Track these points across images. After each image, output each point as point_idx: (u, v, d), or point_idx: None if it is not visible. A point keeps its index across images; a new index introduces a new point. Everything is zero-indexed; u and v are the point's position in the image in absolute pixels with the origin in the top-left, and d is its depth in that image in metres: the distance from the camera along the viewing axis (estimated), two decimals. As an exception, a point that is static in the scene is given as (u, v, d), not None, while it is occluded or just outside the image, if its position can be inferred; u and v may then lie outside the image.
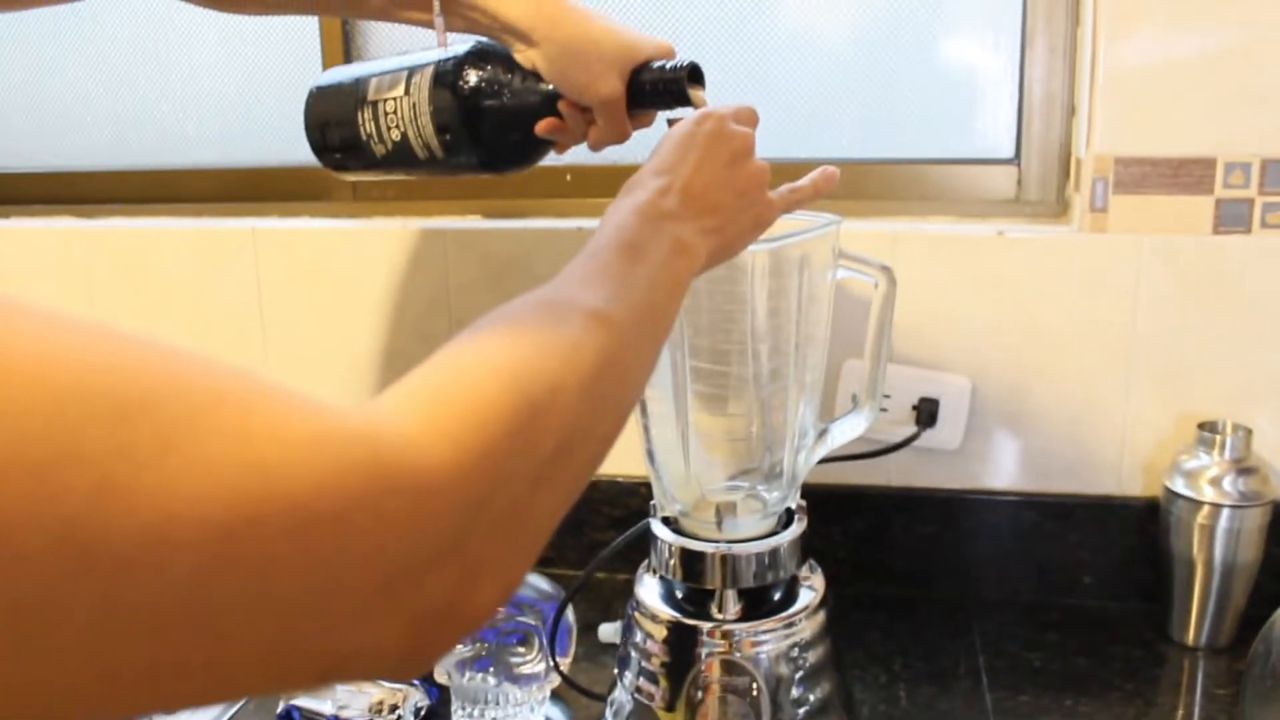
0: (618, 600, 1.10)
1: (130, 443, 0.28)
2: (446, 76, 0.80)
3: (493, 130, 0.81)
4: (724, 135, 0.65)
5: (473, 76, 0.80)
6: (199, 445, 0.29)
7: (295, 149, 1.32)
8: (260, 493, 0.29)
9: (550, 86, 0.79)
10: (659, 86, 0.77)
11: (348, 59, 1.26)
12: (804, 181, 0.73)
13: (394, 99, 0.82)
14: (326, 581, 0.31)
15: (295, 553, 0.30)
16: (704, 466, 0.83)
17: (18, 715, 0.27)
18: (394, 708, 0.92)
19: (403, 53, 0.86)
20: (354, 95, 0.85)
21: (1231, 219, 1.03)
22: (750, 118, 0.70)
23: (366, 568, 0.32)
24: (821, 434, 0.86)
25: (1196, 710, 0.96)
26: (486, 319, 0.45)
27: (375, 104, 0.84)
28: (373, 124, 0.84)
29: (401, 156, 0.85)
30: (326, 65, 1.27)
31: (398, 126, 0.83)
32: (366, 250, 1.20)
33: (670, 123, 0.70)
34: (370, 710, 0.92)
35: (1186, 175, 1.02)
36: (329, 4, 0.93)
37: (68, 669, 0.27)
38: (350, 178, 0.93)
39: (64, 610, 0.26)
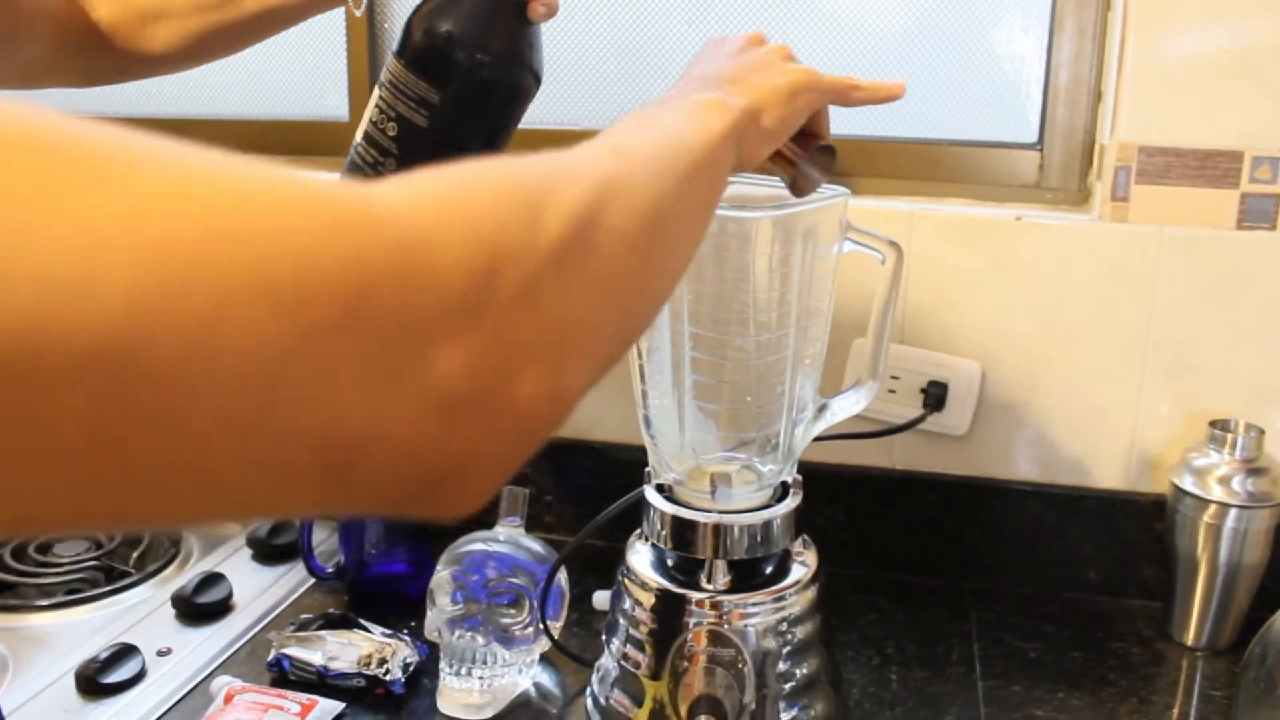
0: (616, 568, 1.10)
1: (62, 177, 0.25)
2: (404, 45, 0.77)
3: (468, 37, 0.75)
4: (724, 39, 0.67)
5: (424, 17, 0.76)
6: (133, 180, 0.26)
7: (315, 102, 1.32)
8: (207, 228, 0.26)
9: None
10: None
11: (371, 13, 1.25)
12: (869, 81, 0.70)
13: (377, 107, 0.78)
14: (299, 336, 0.27)
15: (255, 298, 0.27)
16: (700, 435, 0.82)
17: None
18: (383, 661, 0.92)
19: None
20: (349, 158, 0.81)
21: (1256, 214, 1.01)
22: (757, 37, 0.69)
23: (350, 323, 0.29)
24: (821, 409, 0.85)
25: (1191, 711, 0.94)
26: None
27: (366, 133, 0.79)
28: (371, 150, 0.79)
29: (407, 143, 0.78)
30: (349, 17, 1.26)
31: (391, 120, 0.78)
32: (381, 207, 1.20)
33: None
34: (359, 663, 0.92)
35: (1212, 168, 1.00)
36: (255, 27, 0.87)
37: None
38: None
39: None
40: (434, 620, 0.93)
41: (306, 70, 1.32)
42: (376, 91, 0.79)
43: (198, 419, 0.26)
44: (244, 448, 0.27)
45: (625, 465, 1.17)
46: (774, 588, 0.80)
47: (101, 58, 0.82)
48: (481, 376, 0.32)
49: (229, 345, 0.26)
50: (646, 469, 0.85)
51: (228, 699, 0.88)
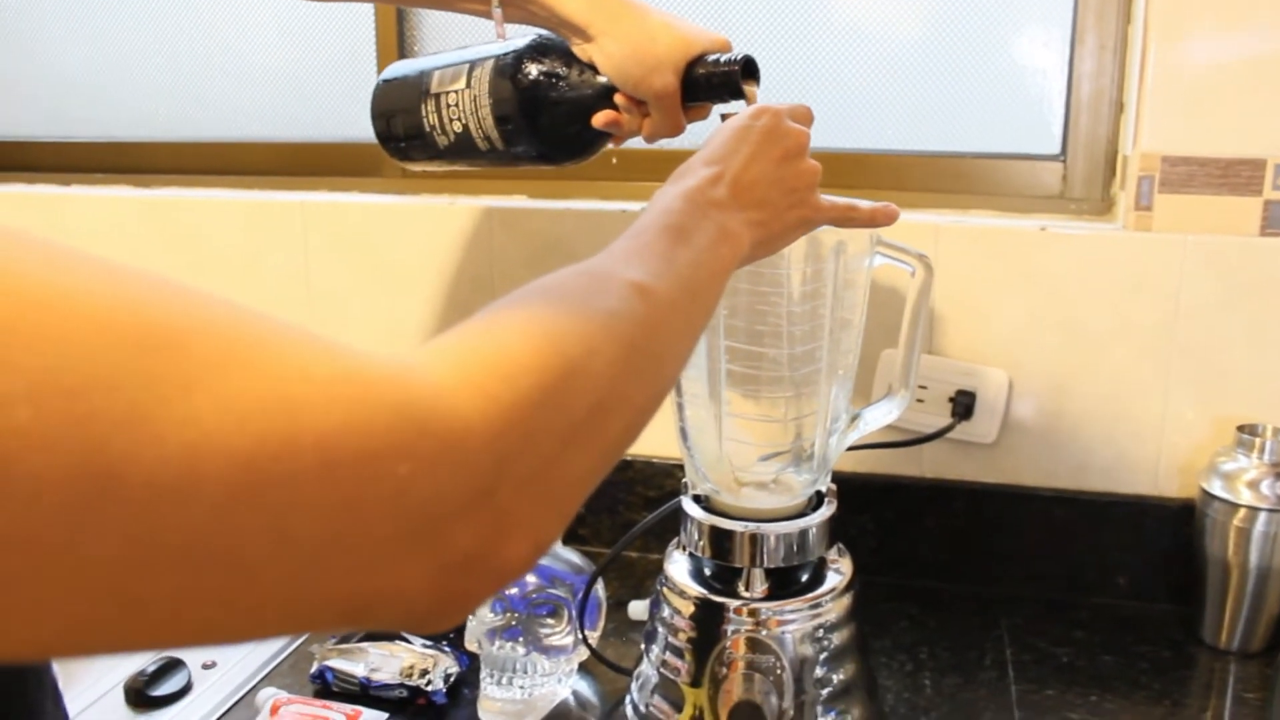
0: (649, 579, 1.11)
1: (159, 374, 0.28)
2: (506, 70, 0.82)
3: (550, 122, 0.83)
4: (778, 131, 0.66)
5: (531, 70, 0.81)
6: (226, 380, 0.29)
7: (346, 125, 1.35)
8: (286, 429, 0.30)
9: (607, 80, 0.80)
10: (713, 80, 0.77)
11: (400, 39, 1.28)
12: (865, 204, 0.73)
13: (455, 91, 0.84)
14: (351, 522, 0.32)
15: (320, 490, 0.31)
16: (736, 446, 0.84)
17: (41, 646, 0.28)
18: (424, 672, 0.94)
19: (464, 46, 0.87)
20: (418, 88, 0.87)
21: (1279, 221, 1.02)
22: (806, 116, 0.70)
23: (392, 510, 0.33)
24: (854, 419, 0.86)
25: (1225, 713, 0.95)
26: (525, 288, 0.46)
27: (438, 96, 0.85)
28: (435, 116, 0.86)
29: (463, 147, 0.87)
30: (380, 44, 1.29)
31: (459, 119, 0.85)
32: (413, 226, 1.22)
33: (724, 117, 0.71)
34: (401, 674, 0.94)
35: (1235, 176, 1.02)
36: None
37: (92, 598, 0.27)
38: (415, 168, 0.94)
39: (90, 537, 0.26)
40: (474, 631, 0.94)
41: (335, 94, 1.35)
42: (467, 77, 0.84)
43: (254, 593, 0.31)
44: (286, 606, 0.32)
45: (660, 478, 1.19)
46: (810, 595, 0.81)
47: None
48: (481, 545, 0.36)
49: (299, 536, 0.31)
50: (683, 480, 0.87)
51: (273, 711, 0.90)
